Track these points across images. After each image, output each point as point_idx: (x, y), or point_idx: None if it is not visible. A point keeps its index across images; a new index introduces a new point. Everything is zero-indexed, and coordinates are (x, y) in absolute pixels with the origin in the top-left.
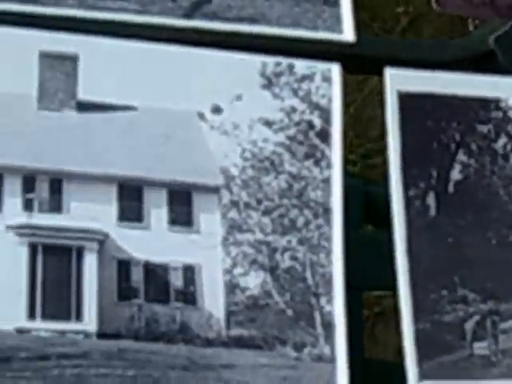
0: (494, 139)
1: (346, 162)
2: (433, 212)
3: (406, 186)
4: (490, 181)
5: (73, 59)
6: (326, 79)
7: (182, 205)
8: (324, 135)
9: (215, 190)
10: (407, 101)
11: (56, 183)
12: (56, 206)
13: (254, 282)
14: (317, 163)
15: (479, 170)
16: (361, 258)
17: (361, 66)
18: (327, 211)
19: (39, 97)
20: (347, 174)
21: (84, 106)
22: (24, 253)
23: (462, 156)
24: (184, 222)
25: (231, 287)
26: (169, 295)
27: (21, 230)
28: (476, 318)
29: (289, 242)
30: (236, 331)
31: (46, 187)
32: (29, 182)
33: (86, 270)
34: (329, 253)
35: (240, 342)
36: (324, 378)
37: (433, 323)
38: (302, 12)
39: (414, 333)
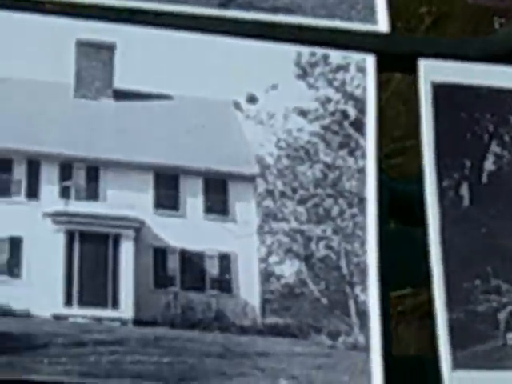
0: None
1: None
2: (466, 202)
3: (440, 176)
4: None
5: (110, 48)
6: (361, 69)
7: (217, 193)
8: (358, 125)
9: (251, 178)
10: (441, 92)
11: (93, 171)
12: (93, 193)
13: (289, 270)
14: (351, 153)
15: None
16: (389, 255)
17: (394, 57)
18: (362, 201)
19: (76, 85)
20: None
21: (120, 95)
22: (61, 240)
23: (495, 147)
24: (219, 211)
25: (266, 275)
26: (204, 283)
27: (58, 217)
28: (509, 308)
29: (323, 231)
30: (271, 319)
31: (83, 175)
32: (66, 169)
33: (123, 257)
34: (363, 242)
35: (275, 330)
36: (358, 366)
37: (466, 313)
38: (336, 3)
39: (448, 322)
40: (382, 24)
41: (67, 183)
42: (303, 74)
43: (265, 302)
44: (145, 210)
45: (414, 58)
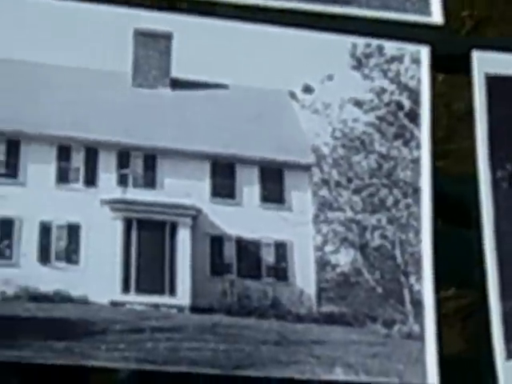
0: None
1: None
2: None
3: (494, 167)
4: None
5: (167, 37)
6: (415, 61)
7: (273, 182)
8: (413, 116)
9: (306, 168)
10: (495, 83)
11: (150, 159)
12: (150, 181)
13: (344, 259)
14: (406, 143)
15: None
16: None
17: (448, 49)
18: (416, 191)
19: (134, 74)
20: None
21: (177, 84)
22: (119, 227)
23: None
24: (276, 200)
25: (322, 264)
26: (261, 271)
27: (115, 204)
28: None
29: (378, 220)
30: (327, 308)
31: (141, 163)
32: (123, 157)
33: (180, 245)
34: (417, 232)
35: (331, 319)
36: (413, 355)
37: None
38: None
39: (502, 313)
40: (436, 15)
41: (125, 171)
42: (358, 65)
43: (320, 290)
44: (201, 198)
45: (468, 50)
